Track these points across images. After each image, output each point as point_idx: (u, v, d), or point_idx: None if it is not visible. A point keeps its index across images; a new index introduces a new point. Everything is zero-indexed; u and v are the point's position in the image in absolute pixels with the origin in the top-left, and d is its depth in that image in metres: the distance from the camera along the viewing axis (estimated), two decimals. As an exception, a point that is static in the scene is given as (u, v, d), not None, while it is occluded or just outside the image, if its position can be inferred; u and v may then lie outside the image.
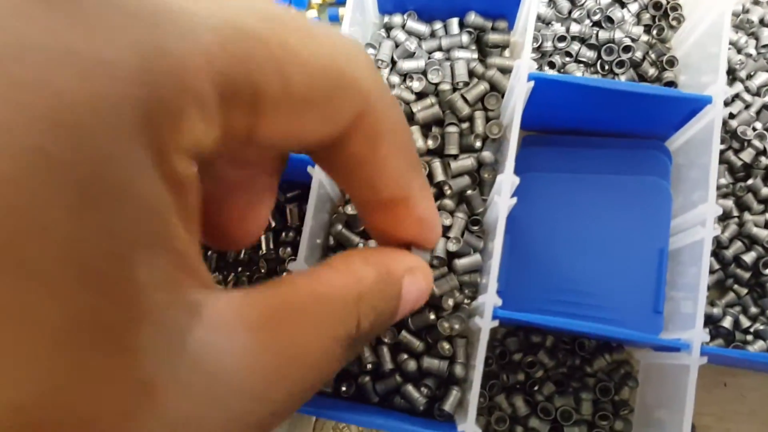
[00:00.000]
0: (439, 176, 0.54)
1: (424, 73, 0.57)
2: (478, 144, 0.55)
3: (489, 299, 0.46)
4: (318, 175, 0.50)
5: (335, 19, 0.67)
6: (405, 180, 0.20)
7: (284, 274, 0.57)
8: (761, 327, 0.55)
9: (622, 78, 0.60)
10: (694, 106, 0.50)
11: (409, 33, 0.60)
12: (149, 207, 0.13)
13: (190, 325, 0.13)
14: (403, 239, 0.22)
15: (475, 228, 0.54)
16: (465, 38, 0.59)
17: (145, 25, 0.13)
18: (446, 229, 0.54)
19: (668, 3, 0.62)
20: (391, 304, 0.20)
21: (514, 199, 0.47)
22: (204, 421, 0.13)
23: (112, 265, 0.12)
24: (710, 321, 0.55)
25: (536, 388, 0.55)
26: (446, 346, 0.53)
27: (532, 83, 0.48)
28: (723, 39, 0.50)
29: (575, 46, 0.61)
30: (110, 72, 0.12)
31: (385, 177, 0.20)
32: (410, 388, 0.52)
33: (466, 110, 0.55)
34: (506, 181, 0.47)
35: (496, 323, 0.46)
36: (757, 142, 0.57)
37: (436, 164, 0.55)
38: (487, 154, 0.54)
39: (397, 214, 0.21)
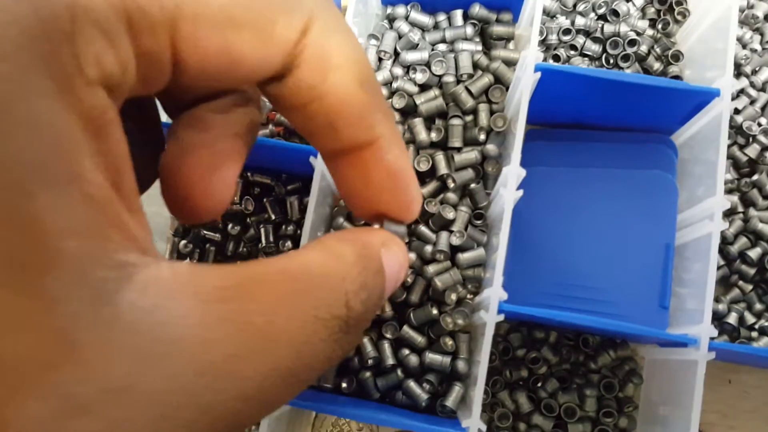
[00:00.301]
0: (443, 169, 0.53)
1: (428, 64, 0.56)
2: (482, 137, 0.54)
3: (494, 293, 0.45)
4: (320, 166, 0.49)
5: (337, 4, 0.66)
6: (368, 119, 0.18)
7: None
8: (766, 323, 0.54)
9: (627, 72, 0.59)
10: (701, 99, 0.49)
11: (413, 24, 0.59)
12: (53, 140, 0.11)
13: (119, 285, 0.11)
14: (374, 202, 0.20)
15: (479, 222, 0.54)
16: (469, 30, 0.58)
17: None
18: (449, 223, 0.53)
19: (673, -3, 0.61)
20: (378, 280, 0.18)
21: (520, 192, 0.47)
22: (146, 391, 0.11)
23: (12, 198, 0.10)
24: (715, 317, 0.55)
25: (540, 384, 0.54)
26: (449, 341, 0.52)
27: (538, 74, 0.47)
28: (730, 33, 0.49)
29: (580, 40, 0.60)
30: None
31: (344, 112, 0.18)
32: (412, 384, 0.51)
33: (470, 102, 0.55)
34: (512, 174, 0.46)
35: (501, 317, 0.45)
36: (762, 138, 0.57)
37: (440, 157, 0.54)
38: (491, 147, 0.54)
39: (365, 163, 0.19)
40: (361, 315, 0.16)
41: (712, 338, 0.44)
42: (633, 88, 0.49)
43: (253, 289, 0.14)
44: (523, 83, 0.48)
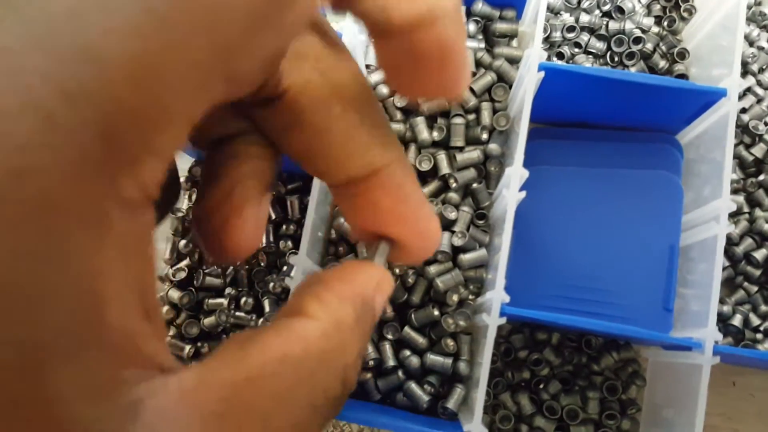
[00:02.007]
0: (444, 169, 0.53)
1: (430, 62, 0.56)
2: (484, 136, 0.54)
3: (496, 295, 0.45)
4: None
5: (338, 7, 0.65)
6: (368, 154, 0.17)
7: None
8: (772, 326, 0.54)
9: (632, 70, 0.58)
10: (708, 99, 0.49)
11: (415, 21, 0.58)
12: (84, 292, 0.10)
13: (126, 427, 0.11)
14: (383, 231, 0.19)
15: (481, 222, 0.53)
16: (472, 27, 0.57)
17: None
18: (451, 223, 0.52)
19: (680, -6, 0.60)
20: (371, 331, 0.17)
21: (523, 193, 0.46)
22: None
23: (21, 381, 0.10)
24: (720, 319, 0.54)
25: (542, 386, 0.54)
26: (450, 342, 0.51)
27: (542, 74, 0.47)
28: (738, 31, 0.49)
29: (584, 37, 0.59)
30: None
31: (340, 141, 0.17)
32: (413, 385, 0.51)
33: (472, 101, 0.54)
34: (515, 175, 0.46)
35: (503, 320, 0.44)
36: (769, 137, 0.56)
37: (441, 156, 0.53)
38: (494, 147, 0.53)
39: (367, 193, 0.18)
40: (354, 385, 0.16)
41: (716, 342, 0.44)
42: (638, 87, 0.48)
43: (252, 393, 0.13)
44: (527, 82, 0.47)
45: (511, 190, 0.46)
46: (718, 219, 0.45)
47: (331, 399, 0.15)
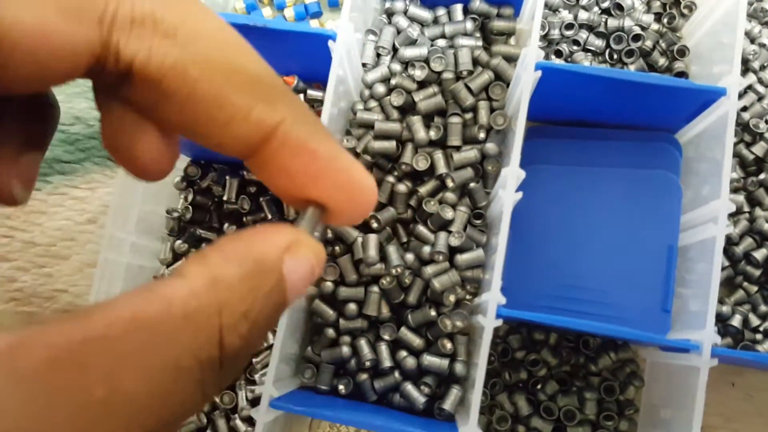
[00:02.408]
0: (441, 168, 0.52)
1: (427, 61, 0.55)
2: (482, 135, 0.53)
3: (493, 297, 0.44)
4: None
5: (335, 4, 0.65)
6: (252, 106, 0.16)
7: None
8: (771, 326, 0.53)
9: (632, 68, 0.58)
10: (707, 98, 0.48)
11: (412, 19, 0.58)
12: None
13: None
14: (311, 193, 0.18)
15: (478, 222, 0.53)
16: (469, 25, 0.57)
17: None
18: (448, 223, 0.52)
19: (680, -10, 0.60)
20: (271, 300, 0.15)
21: (520, 194, 0.46)
22: None
23: None
24: (719, 319, 0.54)
25: (539, 386, 0.53)
26: (447, 343, 0.51)
27: (539, 73, 0.46)
28: (738, 28, 0.48)
29: (583, 35, 0.59)
30: None
31: (211, 106, 0.16)
32: (410, 386, 0.51)
33: (470, 100, 0.53)
34: (511, 175, 0.45)
35: (499, 322, 0.44)
36: (769, 136, 0.56)
37: (438, 156, 0.53)
38: (491, 146, 0.53)
39: (280, 162, 0.17)
40: (242, 348, 0.14)
41: (715, 344, 0.43)
42: (636, 86, 0.47)
43: (91, 352, 0.12)
44: (524, 82, 0.46)
45: (507, 190, 0.45)
46: (716, 220, 0.45)
47: (206, 361, 0.13)
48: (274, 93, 0.17)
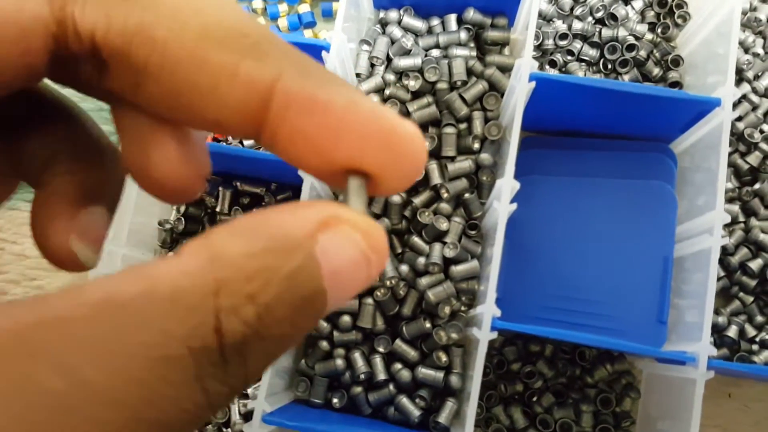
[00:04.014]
0: (436, 179, 0.52)
1: (421, 71, 0.55)
2: (476, 146, 0.53)
3: (488, 310, 0.44)
4: (309, 177, 0.48)
5: (329, 14, 0.64)
6: (239, 64, 0.13)
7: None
8: (767, 336, 0.53)
9: (626, 77, 0.58)
10: (702, 108, 0.48)
11: (406, 29, 0.58)
12: None
13: None
14: (340, 156, 0.14)
15: (473, 232, 0.52)
16: (463, 35, 0.56)
17: None
18: (443, 234, 0.52)
19: (674, 0, 0.60)
20: (296, 286, 0.12)
21: (514, 205, 0.45)
22: None
23: None
24: (715, 330, 0.53)
25: (535, 399, 0.53)
26: (442, 356, 0.51)
27: (533, 84, 0.46)
28: (732, 39, 0.48)
29: (577, 45, 0.59)
30: None
31: (192, 72, 0.14)
32: (404, 399, 0.50)
33: (464, 110, 0.53)
34: (506, 187, 0.45)
35: (494, 335, 0.44)
36: (764, 145, 0.56)
37: (433, 166, 0.53)
38: (485, 156, 0.52)
39: (292, 127, 0.14)
40: (250, 338, 0.12)
41: (710, 356, 0.43)
42: (631, 96, 0.47)
43: (45, 337, 0.10)
44: (518, 93, 0.46)
45: (502, 202, 0.45)
46: (712, 231, 0.45)
47: (200, 351, 0.11)
48: (264, 45, 0.14)
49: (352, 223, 0.13)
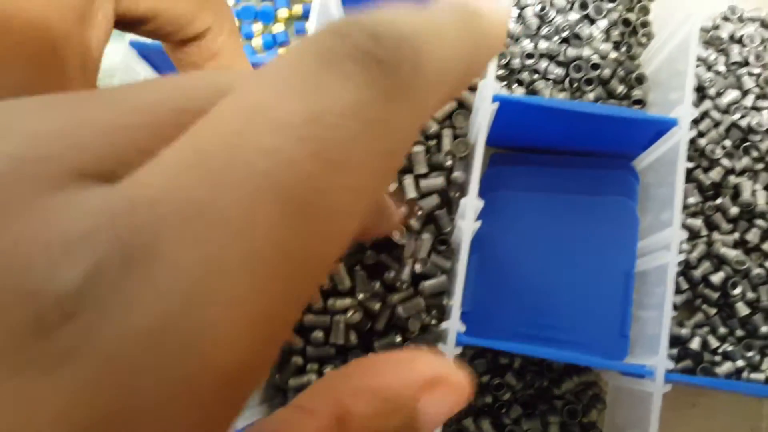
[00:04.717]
0: (411, 193, 0.53)
1: (391, 90, 0.56)
2: (448, 162, 0.54)
3: (452, 325, 0.45)
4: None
5: (302, 32, 0.66)
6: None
7: None
8: (730, 348, 0.54)
9: (591, 95, 0.59)
10: (660, 127, 0.49)
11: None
12: None
13: None
14: None
15: (442, 248, 0.54)
16: (433, 55, 0.58)
17: None
18: (413, 251, 0.53)
19: (637, 20, 0.61)
20: None
21: (478, 223, 0.47)
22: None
23: None
24: (678, 342, 0.55)
25: (504, 410, 0.54)
26: (412, 369, 0.52)
27: (496, 105, 0.47)
28: (690, 59, 0.49)
29: (543, 63, 0.60)
30: None
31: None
32: (375, 412, 0.51)
33: (433, 127, 0.54)
34: (470, 205, 0.46)
35: (459, 350, 0.45)
36: (725, 161, 0.57)
37: (408, 181, 0.54)
38: (458, 174, 0.54)
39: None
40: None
41: (669, 370, 0.44)
42: (592, 117, 0.49)
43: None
44: (481, 114, 0.48)
45: (466, 220, 0.46)
46: (668, 247, 0.46)
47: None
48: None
49: (448, 386, 0.14)
